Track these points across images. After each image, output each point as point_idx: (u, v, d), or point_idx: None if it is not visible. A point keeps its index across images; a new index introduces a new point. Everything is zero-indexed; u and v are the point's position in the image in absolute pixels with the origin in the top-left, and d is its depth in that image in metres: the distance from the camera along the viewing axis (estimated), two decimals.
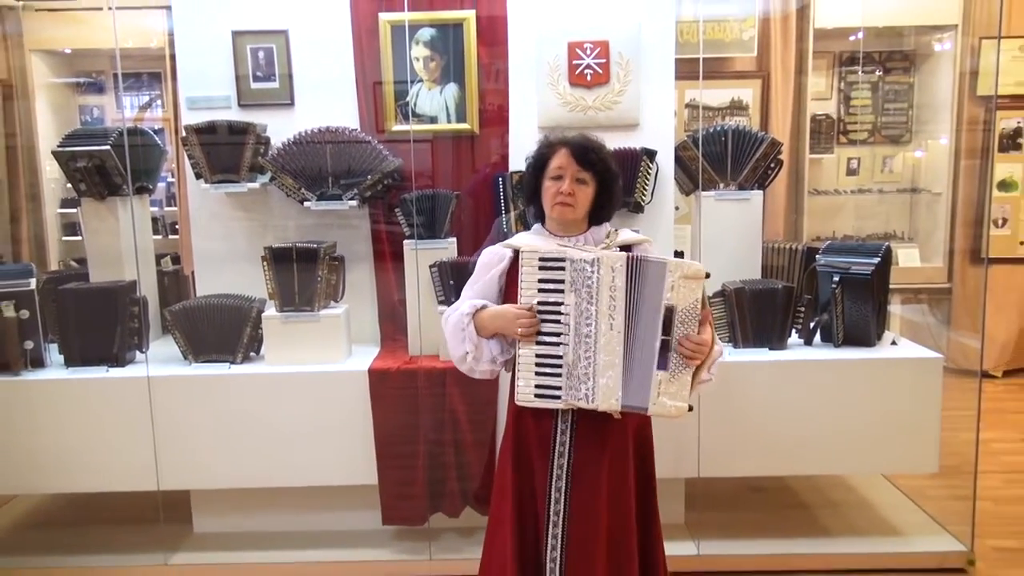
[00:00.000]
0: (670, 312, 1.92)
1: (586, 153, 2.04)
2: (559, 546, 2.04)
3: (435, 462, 3.00)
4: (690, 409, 1.98)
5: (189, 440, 2.97)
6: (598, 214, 2.13)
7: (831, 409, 2.96)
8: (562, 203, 2.04)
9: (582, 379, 1.95)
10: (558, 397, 1.97)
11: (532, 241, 2.09)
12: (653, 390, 1.94)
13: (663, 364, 1.93)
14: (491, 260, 2.12)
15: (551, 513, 2.05)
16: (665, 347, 1.93)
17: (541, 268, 1.96)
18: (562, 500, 2.04)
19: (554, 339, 1.96)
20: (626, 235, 2.13)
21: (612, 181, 2.11)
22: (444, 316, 2.15)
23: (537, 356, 1.97)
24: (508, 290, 2.09)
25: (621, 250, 2.03)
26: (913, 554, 3.04)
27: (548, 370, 1.97)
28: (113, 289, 3.06)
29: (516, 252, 2.07)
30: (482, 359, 2.06)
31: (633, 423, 2.11)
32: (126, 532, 3.26)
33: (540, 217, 2.17)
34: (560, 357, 1.96)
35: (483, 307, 2.06)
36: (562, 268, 1.96)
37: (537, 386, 1.97)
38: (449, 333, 2.10)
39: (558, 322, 1.96)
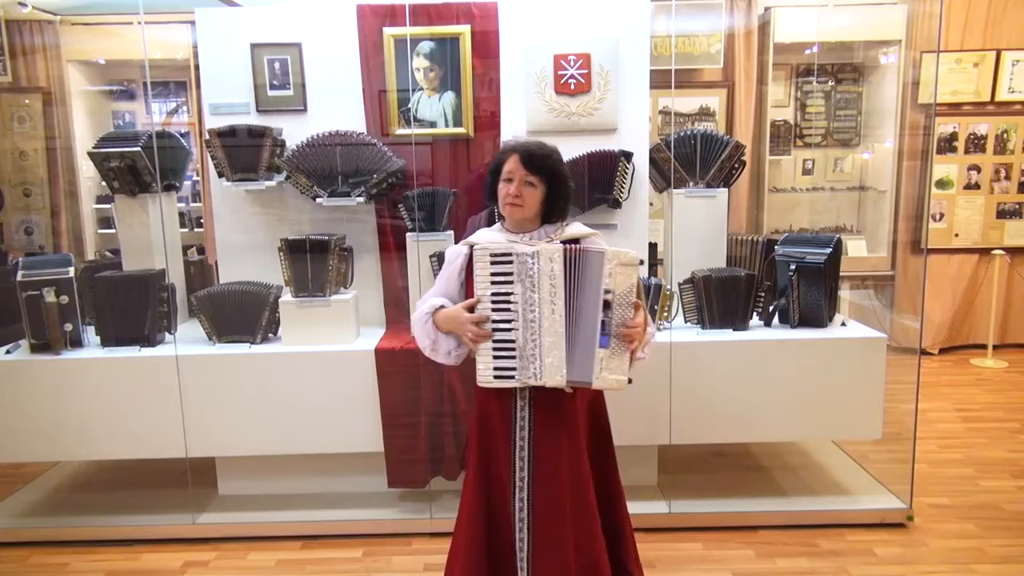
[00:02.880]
0: (609, 296, 1.93)
1: (532, 159, 2.03)
2: (525, 508, 2.05)
3: (434, 431, 3.00)
4: (629, 382, 1.98)
5: (214, 412, 2.96)
6: (550, 213, 2.11)
7: (787, 383, 2.97)
8: (511, 204, 2.05)
9: (530, 359, 1.96)
10: (512, 377, 1.98)
11: (488, 238, 2.10)
12: (596, 366, 1.95)
13: (604, 343, 1.94)
14: (451, 257, 2.14)
15: (516, 480, 2.06)
16: (605, 327, 1.94)
17: (492, 263, 1.97)
18: (525, 468, 2.05)
19: (507, 326, 1.98)
20: (574, 229, 2.11)
21: (560, 183, 2.09)
22: (416, 308, 2.17)
23: (494, 342, 1.99)
24: (468, 283, 2.09)
25: (567, 243, 2.02)
26: (859, 511, 3.07)
27: (504, 354, 1.98)
28: (144, 277, 3.04)
29: (471, 248, 2.06)
30: (439, 351, 2.10)
31: (586, 396, 2.11)
32: (157, 495, 3.26)
33: (502, 216, 2.16)
34: (513, 342, 1.98)
35: (441, 307, 2.08)
36: (510, 262, 1.96)
37: (495, 368, 1.99)
38: (414, 326, 2.13)
39: (509, 310, 1.97)
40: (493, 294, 1.98)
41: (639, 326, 1.98)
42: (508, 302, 1.97)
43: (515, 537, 2.07)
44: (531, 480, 2.05)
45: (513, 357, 1.98)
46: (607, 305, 1.93)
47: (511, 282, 1.97)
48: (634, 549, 2.27)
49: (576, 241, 2.06)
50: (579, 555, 2.07)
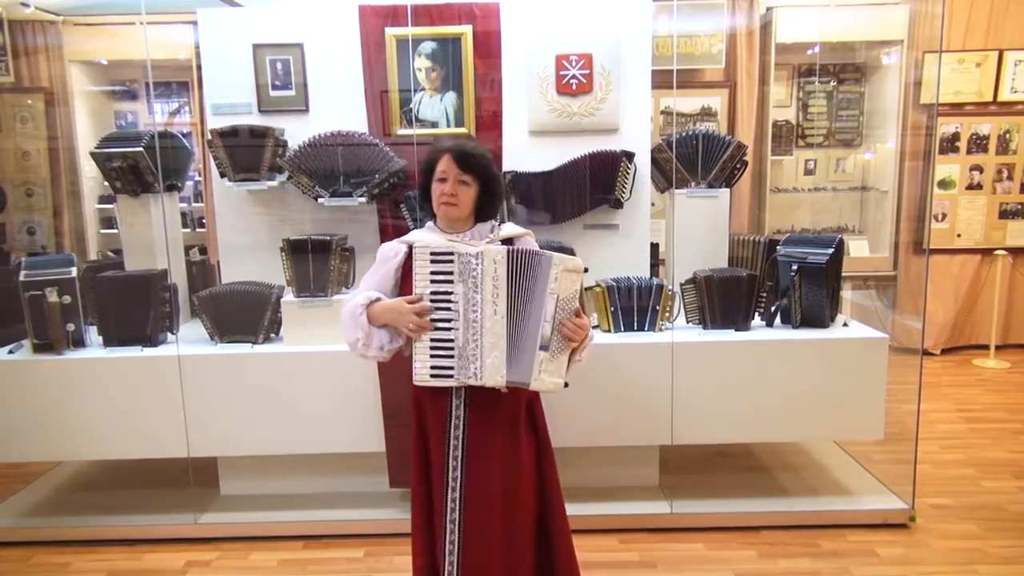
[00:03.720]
0: (553, 300, 1.93)
1: (466, 158, 2.03)
2: (457, 509, 2.03)
3: None
4: (566, 385, 1.98)
5: (216, 412, 2.96)
6: (483, 212, 2.12)
7: (789, 383, 2.97)
8: (446, 203, 2.04)
9: (471, 359, 1.95)
10: (451, 376, 1.97)
11: (424, 237, 2.08)
12: (535, 368, 1.95)
13: (544, 345, 1.94)
14: (388, 254, 2.11)
15: (449, 479, 2.03)
16: (546, 331, 1.94)
17: (432, 261, 1.96)
18: (459, 468, 2.03)
19: (445, 325, 1.96)
20: (508, 229, 2.12)
21: (493, 183, 2.10)
22: (344, 303, 2.13)
23: (431, 340, 1.97)
24: (404, 282, 2.07)
25: (504, 243, 2.03)
26: (861, 511, 3.06)
27: (441, 352, 1.97)
28: (146, 277, 3.04)
29: (411, 247, 2.06)
30: (371, 346, 2.05)
31: (524, 396, 2.10)
32: (159, 495, 3.26)
33: (433, 216, 2.15)
34: (452, 341, 1.96)
35: (377, 299, 2.04)
36: (451, 261, 1.95)
37: (432, 367, 1.97)
38: (344, 320, 2.06)
39: (449, 309, 1.96)
40: (432, 293, 1.96)
41: (584, 326, 1.98)
42: (448, 301, 1.96)
43: (445, 539, 2.04)
44: (463, 480, 2.03)
45: (451, 356, 1.97)
46: (550, 309, 1.93)
47: (451, 281, 1.96)
48: (571, 555, 2.20)
49: (511, 241, 2.08)
50: (508, 555, 2.06)
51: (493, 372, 1.95)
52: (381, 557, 2.88)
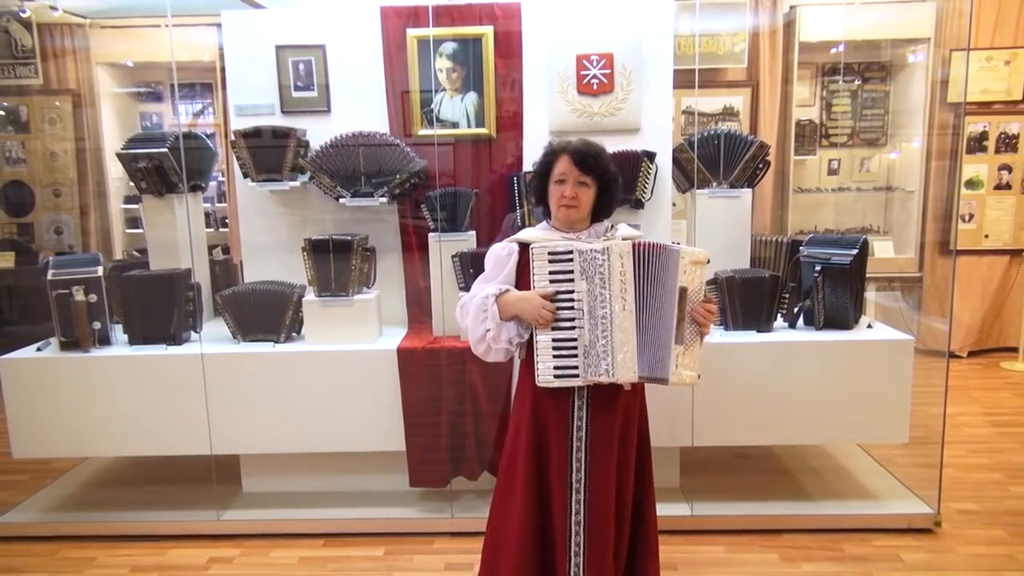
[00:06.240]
0: (683, 293, 1.92)
1: (585, 159, 2.02)
2: (583, 510, 2.04)
3: (456, 431, 3.01)
4: (698, 377, 1.97)
5: (238, 410, 2.99)
6: (599, 212, 2.11)
7: (812, 385, 2.94)
8: (567, 206, 2.03)
9: (601, 356, 1.94)
10: (576, 376, 1.96)
11: (538, 236, 2.07)
12: (672, 363, 1.93)
13: (679, 339, 1.93)
14: (502, 254, 2.09)
15: (572, 481, 2.03)
16: (679, 324, 1.93)
17: (551, 260, 1.96)
18: (582, 469, 2.03)
19: (569, 324, 1.96)
20: (624, 230, 2.12)
21: (612, 182, 2.09)
22: (460, 304, 2.12)
23: (554, 340, 1.96)
24: (517, 281, 2.07)
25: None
26: (885, 516, 3.02)
27: (565, 352, 1.96)
28: (171, 276, 3.08)
29: (521, 246, 2.05)
30: (500, 339, 2.02)
31: (639, 395, 2.11)
32: (183, 491, 3.30)
33: (547, 215, 2.15)
34: (575, 340, 1.95)
35: (507, 290, 2.03)
36: (570, 259, 1.95)
37: (556, 367, 1.96)
38: (471, 314, 2.05)
39: (572, 308, 1.95)
40: (554, 292, 1.96)
41: (714, 310, 1.99)
42: (570, 300, 1.95)
43: (570, 541, 2.04)
44: (587, 481, 2.03)
45: (575, 355, 1.95)
46: (682, 302, 1.92)
47: (571, 280, 1.95)
48: (656, 553, 2.24)
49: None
50: (615, 553, 2.08)
51: (626, 368, 1.94)
52: (400, 556, 2.89)
